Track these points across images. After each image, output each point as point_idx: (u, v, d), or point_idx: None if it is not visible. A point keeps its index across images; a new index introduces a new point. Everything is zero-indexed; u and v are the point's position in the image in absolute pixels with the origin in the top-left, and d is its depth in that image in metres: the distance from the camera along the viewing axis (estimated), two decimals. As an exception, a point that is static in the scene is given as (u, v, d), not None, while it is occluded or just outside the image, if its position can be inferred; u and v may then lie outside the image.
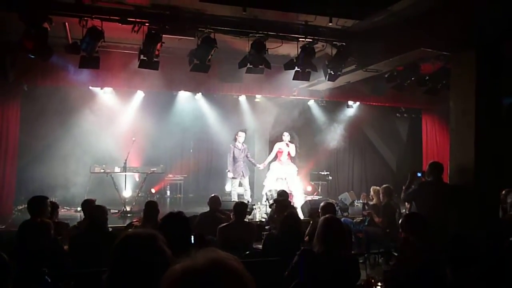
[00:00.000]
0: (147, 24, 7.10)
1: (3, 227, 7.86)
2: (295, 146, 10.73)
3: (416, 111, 13.06)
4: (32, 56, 7.00)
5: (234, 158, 10.25)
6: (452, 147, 6.34)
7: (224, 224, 5.72)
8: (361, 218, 8.43)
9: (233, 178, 10.34)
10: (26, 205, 9.25)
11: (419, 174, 6.60)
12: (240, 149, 10.32)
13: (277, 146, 10.67)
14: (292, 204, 7.92)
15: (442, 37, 6.46)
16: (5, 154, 9.22)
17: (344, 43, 7.85)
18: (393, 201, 7.68)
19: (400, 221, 4.22)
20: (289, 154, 10.60)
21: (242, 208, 5.94)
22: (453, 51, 6.57)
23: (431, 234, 4.01)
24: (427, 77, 9.10)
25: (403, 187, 6.36)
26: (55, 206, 5.73)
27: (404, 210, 8.35)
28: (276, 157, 10.70)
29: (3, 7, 6.64)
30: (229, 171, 10.30)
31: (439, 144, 12.42)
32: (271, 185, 10.21)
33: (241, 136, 10.43)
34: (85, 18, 6.79)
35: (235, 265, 1.16)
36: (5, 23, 7.30)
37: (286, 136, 10.58)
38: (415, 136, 13.31)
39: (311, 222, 6.36)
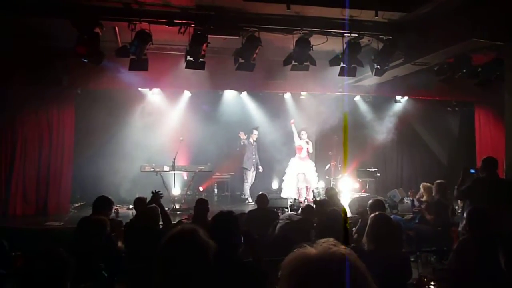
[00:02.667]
0: (192, 25, 7.25)
1: (61, 224, 8.22)
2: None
3: (468, 104, 12.51)
4: (85, 61, 7.30)
5: (249, 153, 11.11)
6: (508, 141, 6.07)
7: (285, 222, 5.78)
8: (411, 215, 8.22)
9: (246, 170, 11.09)
10: (81, 203, 9.83)
11: (472, 171, 6.35)
12: (253, 145, 11.16)
13: (298, 142, 11.14)
14: (335, 202, 7.85)
15: (494, 26, 6.19)
16: (62, 155, 9.67)
17: (390, 37, 7.67)
18: (446, 198, 7.41)
19: (465, 218, 4.09)
20: (308, 150, 11.14)
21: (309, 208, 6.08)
22: (507, 41, 6.28)
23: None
24: (480, 69, 8.71)
25: (456, 185, 6.15)
26: (110, 203, 5.94)
27: (456, 208, 8.08)
28: (295, 153, 11.28)
29: (56, 15, 6.98)
30: (246, 168, 11.09)
31: (494, 138, 11.86)
32: (291, 180, 10.98)
33: (256, 134, 11.23)
34: (134, 22, 7.02)
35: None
36: (57, 30, 7.66)
37: (304, 135, 11.15)
38: (468, 131, 12.77)
39: (359, 219, 6.28)
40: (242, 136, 11.13)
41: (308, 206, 6.86)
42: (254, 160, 11.16)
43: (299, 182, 10.91)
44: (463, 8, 6.45)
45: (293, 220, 6.10)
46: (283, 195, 10.78)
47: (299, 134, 11.16)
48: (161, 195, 5.58)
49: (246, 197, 11.07)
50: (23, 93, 9.04)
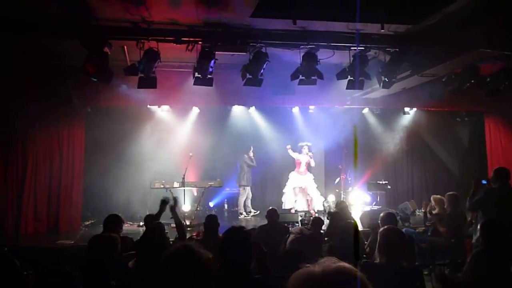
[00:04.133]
0: (200, 43, 7.32)
1: (72, 242, 8.24)
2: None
3: (477, 114, 12.43)
4: (95, 79, 7.40)
5: (247, 169, 11.33)
6: (520, 151, 6.01)
7: (296, 237, 5.75)
8: (424, 228, 8.12)
9: (245, 186, 11.29)
10: (92, 221, 9.86)
11: (483, 182, 6.28)
12: (251, 162, 11.40)
13: (296, 157, 11.37)
14: (347, 215, 7.81)
15: (500, 36, 6.17)
16: (72, 173, 9.76)
17: (397, 49, 7.68)
18: (459, 209, 7.32)
19: (478, 230, 4.04)
20: (308, 164, 11.34)
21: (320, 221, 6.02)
22: (515, 50, 6.27)
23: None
24: (488, 79, 8.66)
25: (468, 196, 6.08)
26: (120, 221, 5.95)
27: (469, 219, 7.97)
28: (294, 167, 11.51)
29: (66, 35, 7.11)
30: (246, 185, 11.33)
31: (505, 148, 11.77)
32: (289, 194, 11.31)
33: (251, 150, 11.53)
34: (142, 41, 7.11)
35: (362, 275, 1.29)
36: (66, 49, 7.78)
37: (305, 149, 11.37)
38: (478, 141, 12.66)
39: (371, 233, 6.23)
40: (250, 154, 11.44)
41: (318, 218, 6.83)
42: (251, 177, 11.46)
43: (296, 195, 11.17)
44: (469, 19, 6.44)
45: (305, 234, 6.07)
46: (284, 207, 11.13)
47: (300, 148, 11.39)
48: (167, 201, 5.56)
49: (241, 211, 11.28)
50: (34, 111, 9.15)
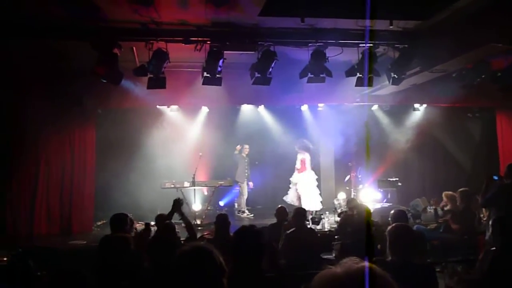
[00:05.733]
0: (208, 42, 7.35)
1: (84, 242, 8.33)
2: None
3: (489, 109, 12.30)
4: (104, 81, 7.45)
5: (242, 166, 11.28)
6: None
7: (291, 230, 5.73)
8: (435, 224, 8.06)
9: (240, 183, 11.22)
10: (104, 221, 9.93)
11: (495, 177, 6.21)
12: (245, 160, 11.37)
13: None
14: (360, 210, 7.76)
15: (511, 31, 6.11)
16: (84, 174, 9.84)
17: (406, 45, 7.63)
18: (471, 206, 7.26)
19: (492, 226, 4.01)
20: (302, 163, 10.91)
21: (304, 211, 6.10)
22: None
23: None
24: (499, 74, 8.56)
25: (480, 192, 6.02)
26: (131, 222, 5.99)
27: (482, 215, 7.90)
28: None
29: (76, 37, 7.17)
30: (239, 181, 11.24)
31: (517, 143, 11.63)
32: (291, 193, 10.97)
33: (247, 148, 11.43)
34: (151, 41, 7.15)
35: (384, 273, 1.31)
36: (77, 51, 7.85)
37: (296, 148, 11.03)
38: (490, 137, 12.52)
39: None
40: (237, 148, 11.36)
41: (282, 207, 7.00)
42: (246, 174, 11.34)
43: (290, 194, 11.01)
44: (479, 13, 6.38)
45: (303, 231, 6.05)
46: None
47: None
48: (181, 202, 5.60)
49: (243, 209, 11.21)
50: (45, 113, 9.24)
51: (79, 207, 9.69)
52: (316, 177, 11.03)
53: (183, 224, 5.78)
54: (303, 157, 10.90)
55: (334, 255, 6.56)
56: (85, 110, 9.60)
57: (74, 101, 9.20)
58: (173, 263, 2.17)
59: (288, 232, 5.79)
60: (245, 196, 11.39)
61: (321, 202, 10.78)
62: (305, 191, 10.76)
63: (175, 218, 5.72)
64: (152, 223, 6.41)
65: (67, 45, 7.78)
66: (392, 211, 5.67)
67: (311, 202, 10.60)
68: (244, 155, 11.39)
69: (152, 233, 5.72)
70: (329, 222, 9.41)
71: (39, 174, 9.41)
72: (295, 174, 10.97)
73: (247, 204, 11.49)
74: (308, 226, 7.15)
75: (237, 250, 2.95)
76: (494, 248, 3.95)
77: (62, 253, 7.51)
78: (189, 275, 2.10)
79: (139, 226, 9.69)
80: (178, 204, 5.55)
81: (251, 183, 11.44)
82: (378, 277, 1.26)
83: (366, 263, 1.29)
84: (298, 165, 10.96)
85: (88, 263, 4.26)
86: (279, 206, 7.01)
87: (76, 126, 9.83)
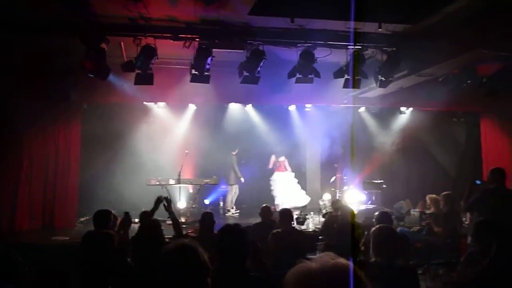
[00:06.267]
0: (197, 40, 7.32)
1: (67, 238, 8.22)
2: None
3: (473, 114, 12.46)
4: (92, 76, 7.37)
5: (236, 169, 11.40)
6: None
7: (277, 230, 5.72)
8: (418, 227, 8.14)
9: (233, 185, 11.33)
10: (88, 217, 9.83)
11: (478, 182, 6.29)
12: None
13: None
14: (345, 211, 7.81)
15: (501, 37, 6.18)
16: (68, 170, 9.72)
17: (394, 48, 7.69)
18: (454, 209, 7.34)
19: (474, 230, 4.05)
20: (272, 164, 11.56)
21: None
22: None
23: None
24: (485, 79, 8.65)
25: (463, 197, 6.09)
26: (114, 218, 5.92)
27: (464, 219, 7.99)
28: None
29: (65, 32, 7.09)
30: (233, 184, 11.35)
31: (500, 148, 11.77)
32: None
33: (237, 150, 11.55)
34: (139, 37, 7.09)
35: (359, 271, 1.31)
36: (64, 46, 7.75)
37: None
38: (474, 141, 12.68)
39: (365, 232, 6.22)
40: (234, 153, 11.42)
41: (266, 207, 7.03)
42: (239, 175, 11.45)
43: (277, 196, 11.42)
44: (469, 19, 6.44)
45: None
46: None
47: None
48: (169, 201, 5.57)
49: (228, 208, 11.28)
50: (30, 109, 9.10)
51: (63, 203, 9.56)
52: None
53: (167, 222, 5.75)
54: (283, 159, 11.42)
55: (318, 255, 6.58)
56: (71, 105, 9.48)
57: (61, 96, 9.07)
58: (158, 261, 2.15)
59: (274, 231, 5.80)
60: (236, 194, 11.44)
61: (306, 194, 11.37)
62: (290, 189, 11.19)
63: (162, 215, 5.69)
64: (136, 220, 6.37)
65: (55, 41, 7.67)
66: (377, 213, 5.71)
67: (300, 197, 11.15)
68: (234, 154, 11.42)
69: (135, 229, 5.66)
70: (313, 222, 9.44)
71: (22, 170, 9.23)
72: (276, 173, 11.41)
73: (225, 202, 11.54)
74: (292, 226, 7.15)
75: (221, 248, 2.94)
76: (473, 251, 3.97)
77: (44, 249, 7.41)
78: (174, 272, 2.09)
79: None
80: (159, 203, 5.52)
81: (242, 179, 11.41)
82: (353, 274, 1.26)
83: (342, 259, 1.30)
84: (278, 164, 11.48)
85: (71, 260, 4.20)
86: (264, 205, 7.00)
87: (62, 121, 9.69)
